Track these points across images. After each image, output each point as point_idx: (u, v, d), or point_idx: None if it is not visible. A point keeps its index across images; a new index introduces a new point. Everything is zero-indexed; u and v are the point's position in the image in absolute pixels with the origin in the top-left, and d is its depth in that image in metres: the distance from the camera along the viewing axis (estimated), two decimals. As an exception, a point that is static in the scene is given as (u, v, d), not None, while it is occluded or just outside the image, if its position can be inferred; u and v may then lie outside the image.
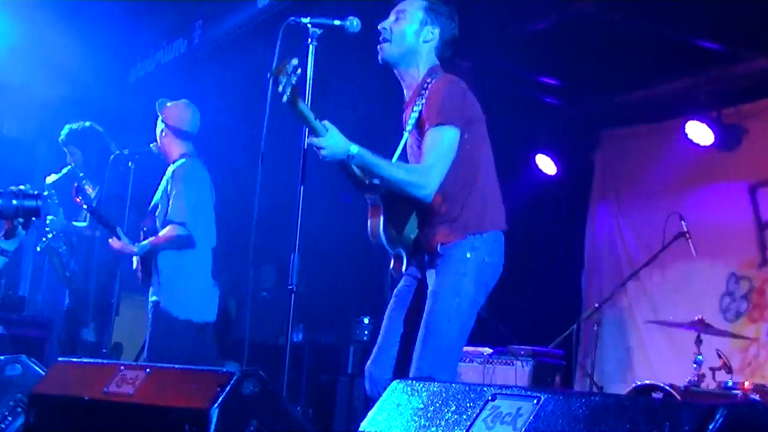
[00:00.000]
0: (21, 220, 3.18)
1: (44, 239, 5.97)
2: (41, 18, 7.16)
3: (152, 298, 5.02)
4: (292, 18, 3.27)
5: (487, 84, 6.84)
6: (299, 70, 3.11)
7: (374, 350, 3.56)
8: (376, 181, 3.49)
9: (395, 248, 3.53)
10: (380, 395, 3.34)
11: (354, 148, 3.26)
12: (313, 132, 3.24)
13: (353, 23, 3.38)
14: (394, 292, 3.64)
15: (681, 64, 6.26)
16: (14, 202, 3.09)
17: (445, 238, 3.44)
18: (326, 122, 3.23)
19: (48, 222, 5.94)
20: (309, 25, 3.30)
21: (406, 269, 3.56)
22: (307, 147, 3.32)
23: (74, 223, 5.97)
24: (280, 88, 3.08)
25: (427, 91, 3.46)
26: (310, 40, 3.31)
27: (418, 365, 3.35)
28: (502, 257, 3.53)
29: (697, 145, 6.53)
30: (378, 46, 3.51)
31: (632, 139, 7.37)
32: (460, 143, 3.39)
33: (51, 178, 5.98)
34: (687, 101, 6.47)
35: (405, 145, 3.56)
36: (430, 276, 3.47)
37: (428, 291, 3.45)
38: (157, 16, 7.47)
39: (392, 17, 3.55)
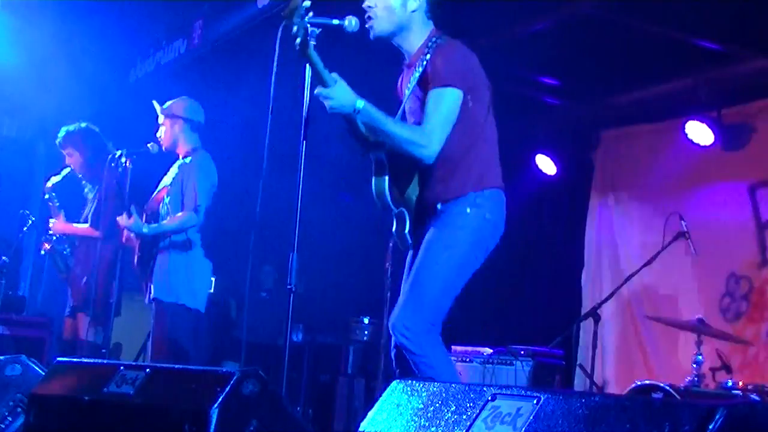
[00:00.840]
0: None
1: (46, 241, 5.98)
2: (41, 18, 7.16)
3: (153, 295, 5.08)
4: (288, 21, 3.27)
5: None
6: (311, 13, 3.12)
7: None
8: (380, 140, 3.50)
9: (398, 207, 3.53)
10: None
11: (360, 102, 3.28)
12: (322, 82, 3.25)
13: (352, 22, 3.39)
14: (407, 264, 3.62)
15: (681, 64, 6.26)
16: None
17: (446, 195, 3.46)
18: (335, 74, 3.24)
19: (50, 225, 5.95)
20: (308, 25, 3.30)
21: (410, 238, 3.55)
22: (307, 146, 3.32)
23: (75, 224, 5.97)
24: (294, 30, 3.09)
25: (430, 53, 3.47)
26: (308, 38, 3.31)
27: (399, 309, 3.38)
28: (503, 215, 3.54)
29: (697, 145, 6.53)
30: (366, 25, 3.51)
31: (632, 139, 7.37)
32: (463, 105, 3.41)
33: (51, 181, 5.99)
34: (687, 101, 6.47)
35: (404, 106, 3.57)
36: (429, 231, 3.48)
37: (424, 242, 3.45)
38: (157, 17, 7.47)
39: None
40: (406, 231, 3.54)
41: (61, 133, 5.96)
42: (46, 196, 6.02)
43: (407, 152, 3.39)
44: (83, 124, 5.98)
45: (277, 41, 3.25)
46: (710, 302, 6.44)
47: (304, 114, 3.33)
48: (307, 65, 3.25)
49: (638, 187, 7.27)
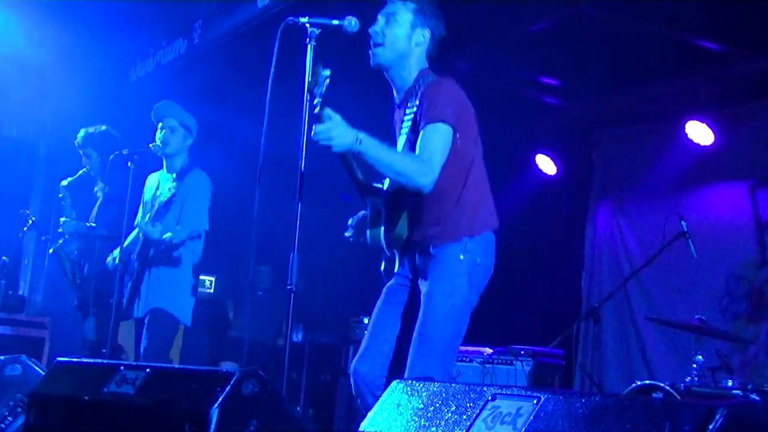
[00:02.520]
0: None
1: (59, 241, 5.98)
2: (41, 18, 7.16)
3: (150, 306, 5.08)
4: (291, 18, 3.28)
5: (487, 84, 6.85)
6: (327, 81, 3.16)
7: (361, 348, 3.59)
8: (379, 185, 3.51)
9: (391, 250, 3.55)
10: (368, 393, 3.38)
11: (360, 134, 3.27)
12: (318, 120, 3.24)
13: (351, 23, 3.38)
14: (383, 290, 3.64)
15: (681, 64, 6.26)
16: None
17: (439, 239, 3.46)
18: (329, 110, 3.24)
19: (61, 223, 5.96)
20: (307, 25, 3.31)
21: (397, 269, 3.57)
22: (306, 146, 3.32)
23: (87, 224, 5.98)
24: (316, 101, 3.13)
25: (419, 94, 3.48)
26: (308, 39, 3.32)
27: (412, 366, 3.37)
28: (493, 258, 3.55)
29: (697, 144, 6.53)
30: (370, 51, 3.52)
31: (632, 139, 7.37)
32: (452, 144, 3.41)
33: (65, 181, 6.01)
34: (687, 101, 6.47)
35: (400, 148, 3.57)
36: (423, 278, 3.48)
37: (422, 293, 3.46)
38: (157, 17, 7.47)
39: (382, 20, 3.56)
40: (396, 269, 3.58)
41: (81, 134, 5.98)
42: (60, 195, 6.04)
43: (407, 180, 3.37)
44: (103, 127, 6.01)
45: (277, 41, 3.25)
46: (710, 302, 6.44)
47: (304, 113, 3.33)
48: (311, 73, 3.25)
49: (638, 187, 7.27)
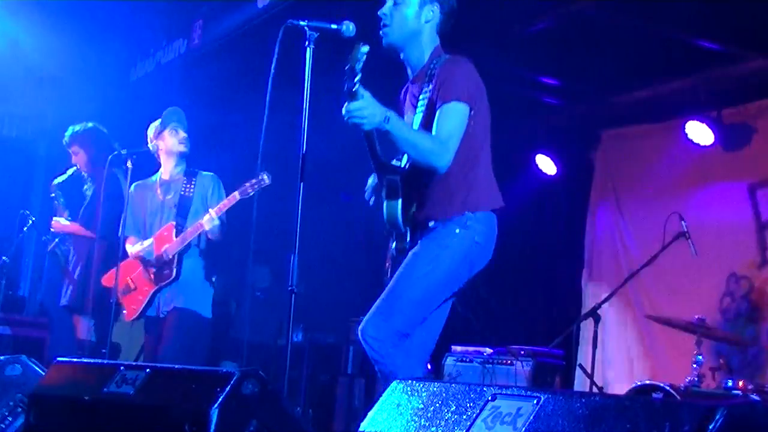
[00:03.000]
0: None
1: (55, 240, 5.99)
2: (42, 17, 7.16)
3: (173, 304, 5.09)
4: (290, 21, 3.29)
5: (487, 84, 6.84)
6: (365, 57, 3.16)
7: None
8: (395, 162, 3.54)
9: (406, 227, 3.57)
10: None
11: (389, 112, 3.29)
12: (352, 98, 3.24)
13: (349, 27, 3.42)
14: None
15: (680, 64, 6.26)
16: None
17: (441, 215, 3.49)
18: (362, 90, 3.23)
19: (53, 223, 5.96)
20: (306, 28, 3.32)
21: (407, 246, 3.58)
22: (307, 144, 3.33)
23: (71, 223, 5.98)
24: (356, 78, 3.14)
25: (435, 72, 3.51)
26: (307, 42, 3.34)
27: (371, 312, 3.40)
28: (493, 239, 3.57)
29: (697, 145, 6.53)
30: (381, 32, 3.53)
31: (632, 139, 7.37)
32: (467, 121, 3.44)
33: (57, 180, 6.01)
34: (687, 101, 6.47)
35: (412, 121, 3.58)
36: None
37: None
38: (157, 16, 7.47)
39: (390, 1, 3.57)
40: (407, 246, 3.58)
41: (68, 132, 5.98)
42: (52, 195, 6.04)
43: (425, 160, 3.40)
44: (90, 124, 6.00)
45: (278, 44, 3.26)
46: (710, 302, 6.44)
47: (304, 114, 3.34)
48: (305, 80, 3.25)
49: (638, 186, 7.27)
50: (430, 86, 3.50)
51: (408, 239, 3.58)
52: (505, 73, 6.95)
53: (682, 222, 5.62)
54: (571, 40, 6.09)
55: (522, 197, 7.71)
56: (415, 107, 3.59)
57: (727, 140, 6.45)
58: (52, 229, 5.98)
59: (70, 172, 6.01)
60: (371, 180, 3.76)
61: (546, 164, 7.68)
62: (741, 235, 6.43)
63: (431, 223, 3.49)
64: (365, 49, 3.14)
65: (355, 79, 3.13)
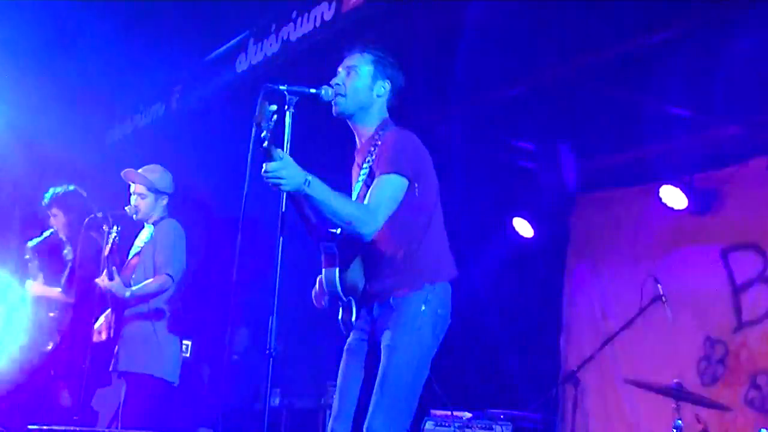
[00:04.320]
0: None
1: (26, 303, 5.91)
2: (19, 78, 7.17)
3: (121, 367, 5.00)
4: (269, 84, 3.31)
5: (464, 147, 6.91)
6: (275, 116, 3.15)
7: (334, 410, 3.56)
8: (332, 230, 3.51)
9: (347, 297, 3.54)
10: None
11: (309, 176, 3.25)
12: (269, 160, 3.22)
13: (328, 92, 3.47)
14: (345, 347, 3.63)
15: (655, 130, 6.35)
16: None
17: (399, 290, 3.46)
18: (280, 151, 3.22)
19: (27, 286, 5.89)
20: (285, 93, 3.35)
21: (355, 321, 3.56)
22: (286, 210, 3.33)
23: (50, 288, 5.90)
24: (263, 135, 3.11)
25: (378, 144, 3.53)
26: (287, 107, 3.36)
27: (373, 416, 3.35)
28: (450, 308, 3.56)
29: (671, 209, 6.60)
30: (333, 101, 3.57)
31: (608, 202, 7.44)
32: (410, 193, 3.44)
33: (32, 242, 5.95)
34: (661, 166, 6.56)
35: (356, 195, 3.59)
36: (384, 328, 3.47)
37: (383, 345, 3.44)
38: (135, 80, 7.51)
39: (343, 73, 3.62)
40: (353, 318, 3.56)
41: (48, 194, 5.94)
42: (27, 257, 5.97)
43: (349, 228, 3.37)
44: (71, 187, 5.97)
45: (257, 107, 3.28)
46: (688, 365, 6.44)
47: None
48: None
49: (615, 249, 7.31)
50: (373, 156, 3.51)
51: (354, 310, 3.55)
52: (481, 137, 7.03)
53: (658, 285, 5.65)
54: (547, 105, 6.17)
55: (499, 260, 7.73)
56: (357, 180, 3.60)
57: (699, 204, 6.53)
58: (29, 293, 5.90)
59: (45, 234, 5.96)
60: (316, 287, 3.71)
61: (523, 227, 7.72)
62: (716, 299, 6.46)
63: (391, 300, 3.47)
64: (273, 108, 3.15)
65: (263, 135, 3.09)
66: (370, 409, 3.37)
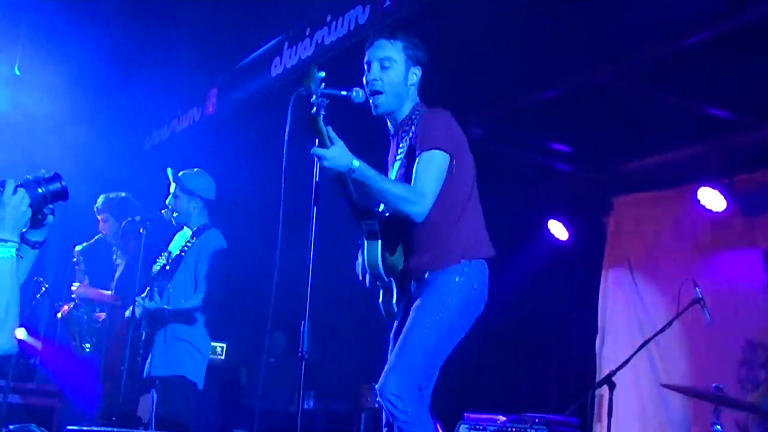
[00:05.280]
0: (51, 206, 2.92)
1: (68, 305, 5.98)
2: (58, 85, 7.27)
3: (154, 372, 5.04)
4: (302, 88, 3.34)
5: (500, 150, 6.90)
6: (323, 84, 3.21)
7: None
8: (374, 208, 3.54)
9: (389, 277, 3.53)
10: None
11: (356, 162, 3.30)
12: (323, 144, 3.29)
13: (359, 94, 3.48)
14: (390, 335, 3.63)
15: (692, 131, 6.29)
16: (40, 190, 2.82)
17: (435, 265, 3.47)
18: (334, 135, 3.28)
19: (74, 289, 5.96)
20: (318, 95, 3.37)
21: (396, 308, 3.55)
22: (316, 215, 3.34)
23: (99, 290, 5.99)
24: (313, 99, 3.16)
25: (414, 123, 3.53)
26: (318, 108, 3.37)
27: (387, 373, 3.36)
28: (487, 286, 3.55)
29: (710, 211, 6.52)
30: (371, 101, 3.57)
31: (644, 205, 7.37)
32: (449, 170, 3.44)
33: (80, 246, 6.04)
34: (699, 168, 6.49)
35: (394, 174, 3.60)
36: (416, 299, 3.47)
37: (411, 309, 3.43)
38: (172, 85, 7.58)
39: (376, 65, 3.62)
40: (394, 301, 3.56)
41: (101, 199, 6.05)
42: (75, 260, 6.06)
43: (400, 209, 3.40)
44: (123, 194, 6.07)
45: (290, 109, 3.31)
46: (727, 370, 6.35)
47: (315, 180, 3.37)
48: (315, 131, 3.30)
49: (651, 252, 7.24)
50: (410, 134, 3.52)
51: (395, 292, 3.55)
52: (517, 140, 7.01)
53: (697, 288, 5.58)
54: (583, 107, 6.14)
55: (534, 262, 7.70)
56: (395, 159, 3.61)
57: (739, 206, 6.44)
58: (73, 295, 5.99)
59: (95, 238, 6.05)
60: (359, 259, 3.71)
61: (558, 230, 7.68)
62: (757, 302, 6.37)
63: (427, 275, 3.48)
64: (321, 74, 3.18)
65: (312, 99, 3.15)
66: (387, 366, 3.38)
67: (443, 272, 3.46)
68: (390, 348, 3.58)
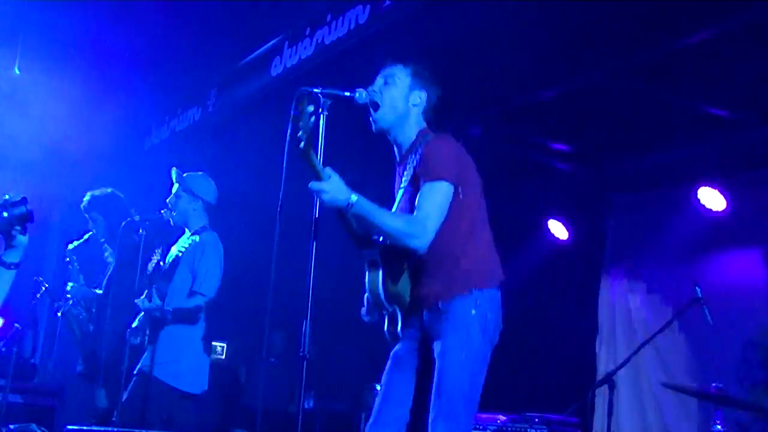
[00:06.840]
0: (18, 228, 3.09)
1: (62, 303, 5.98)
2: (56, 86, 7.28)
3: (153, 372, 5.03)
4: (303, 88, 3.33)
5: (499, 150, 6.90)
6: (313, 117, 3.17)
7: (373, 414, 3.54)
8: (375, 237, 3.52)
9: (392, 305, 3.53)
10: None
11: (354, 197, 3.28)
12: (317, 177, 3.27)
13: (362, 95, 3.47)
14: (392, 353, 3.61)
15: (692, 131, 6.29)
16: (4, 214, 3.02)
17: (447, 294, 3.44)
18: (329, 169, 3.26)
19: (68, 288, 5.96)
20: (320, 96, 3.36)
21: (401, 330, 3.55)
22: (319, 215, 3.34)
23: (95, 290, 5.98)
24: (300, 134, 3.14)
25: (419, 150, 3.51)
26: (320, 109, 3.37)
27: (434, 424, 3.33)
28: (500, 314, 3.54)
29: (710, 210, 6.52)
30: (370, 117, 3.57)
31: (644, 204, 7.37)
32: (455, 199, 3.43)
33: (72, 244, 6.03)
34: (698, 167, 6.49)
35: (398, 203, 3.59)
36: (435, 336, 3.45)
37: (436, 352, 3.42)
38: (171, 85, 7.59)
39: (380, 80, 3.62)
40: (399, 328, 3.54)
41: (87, 197, 6.01)
42: (67, 259, 6.05)
43: (401, 242, 3.38)
44: (108, 190, 6.03)
45: (292, 111, 3.30)
46: (727, 369, 6.36)
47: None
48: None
49: (651, 251, 7.25)
50: (415, 162, 3.50)
51: (399, 319, 3.54)
52: (517, 139, 7.01)
53: (697, 288, 5.58)
54: (583, 107, 6.14)
55: (534, 262, 7.70)
56: (400, 187, 3.59)
57: (739, 206, 6.45)
58: (68, 295, 5.98)
59: (85, 237, 6.03)
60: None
61: (558, 229, 7.68)
62: (756, 302, 6.38)
63: (440, 304, 3.46)
64: (310, 108, 3.16)
65: (300, 136, 3.12)
66: (431, 416, 3.35)
67: (457, 302, 3.43)
68: (392, 368, 3.58)
